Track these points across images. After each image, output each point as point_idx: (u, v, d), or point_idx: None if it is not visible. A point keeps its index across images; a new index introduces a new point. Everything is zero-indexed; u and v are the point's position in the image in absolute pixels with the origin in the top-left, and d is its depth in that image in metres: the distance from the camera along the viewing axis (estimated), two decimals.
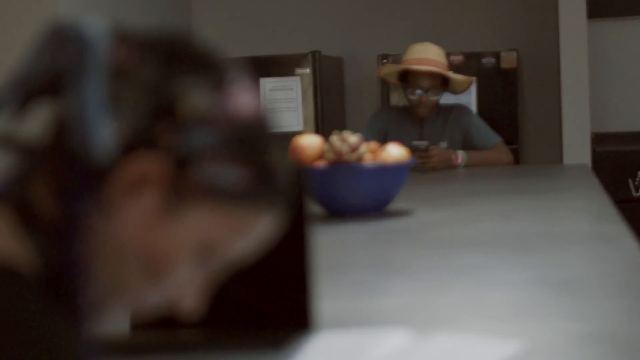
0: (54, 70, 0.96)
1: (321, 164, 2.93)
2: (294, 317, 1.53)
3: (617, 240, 2.33)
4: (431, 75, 4.66)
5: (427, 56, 4.66)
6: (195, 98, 0.96)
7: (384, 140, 4.85)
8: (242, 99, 0.99)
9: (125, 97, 0.94)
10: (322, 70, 6.08)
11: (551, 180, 3.88)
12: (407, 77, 4.74)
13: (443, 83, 4.75)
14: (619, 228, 2.51)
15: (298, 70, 6.05)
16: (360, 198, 2.90)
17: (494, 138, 4.82)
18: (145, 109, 0.95)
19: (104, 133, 0.93)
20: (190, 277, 1.00)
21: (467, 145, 4.81)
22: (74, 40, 0.95)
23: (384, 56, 6.08)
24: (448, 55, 6.01)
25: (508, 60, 6.04)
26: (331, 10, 6.69)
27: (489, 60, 6.05)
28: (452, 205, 3.19)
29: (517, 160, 6.07)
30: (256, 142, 0.98)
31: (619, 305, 1.67)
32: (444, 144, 4.78)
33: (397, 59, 6.06)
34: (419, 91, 4.68)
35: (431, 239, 2.51)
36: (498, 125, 6.09)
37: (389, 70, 4.75)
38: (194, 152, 0.95)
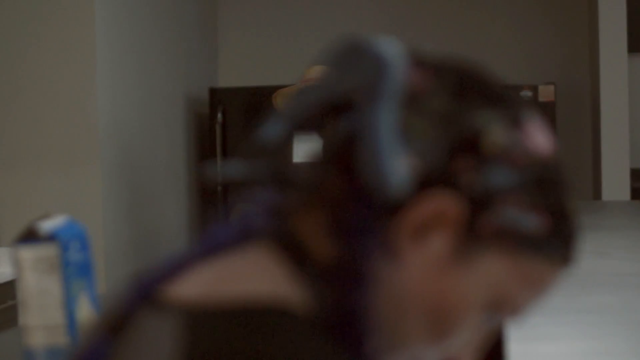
0: (344, 90, 0.85)
1: None
2: None
3: None
4: None
5: (313, 76, 4.59)
6: (497, 133, 0.85)
7: None
8: (539, 137, 0.88)
9: (420, 127, 0.84)
10: None
11: (620, 217, 3.78)
12: None
13: None
14: None
15: None
16: None
17: None
18: (442, 141, 0.84)
19: (398, 166, 0.82)
20: (473, 335, 0.89)
21: None
22: (370, 60, 0.85)
23: None
24: None
25: (546, 93, 5.96)
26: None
27: (526, 94, 5.97)
28: None
29: None
30: (555, 185, 0.87)
31: None
32: None
33: None
34: None
35: None
36: None
37: (284, 102, 4.68)
38: (493, 192, 0.84)
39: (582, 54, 6.43)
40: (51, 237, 1.27)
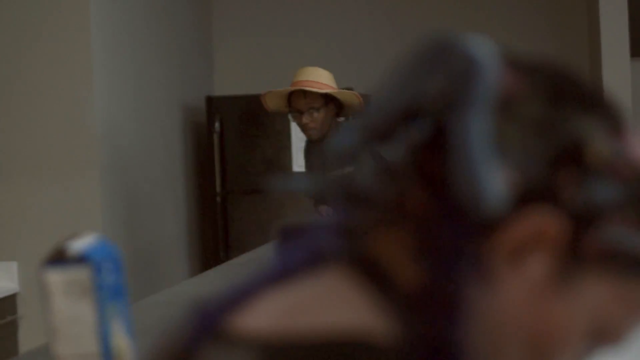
0: (428, 94, 0.77)
1: None
2: None
3: None
4: (305, 95, 4.51)
5: (300, 78, 4.54)
6: (600, 142, 0.76)
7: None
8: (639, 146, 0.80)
9: (516, 136, 0.76)
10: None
11: None
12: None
13: (337, 106, 4.59)
14: None
15: None
16: None
17: None
18: (540, 152, 0.75)
19: (493, 180, 0.74)
20: None
21: None
22: (459, 60, 0.76)
23: None
24: None
25: None
26: (361, 48, 6.53)
27: None
28: None
29: None
30: None
31: None
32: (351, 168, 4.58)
33: None
34: (296, 113, 4.54)
35: None
36: None
37: (273, 103, 4.63)
38: (597, 209, 0.76)
39: (583, 59, 6.37)
40: (82, 258, 1.19)
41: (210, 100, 5.93)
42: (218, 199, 5.92)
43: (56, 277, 1.18)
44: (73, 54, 4.67)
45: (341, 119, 4.66)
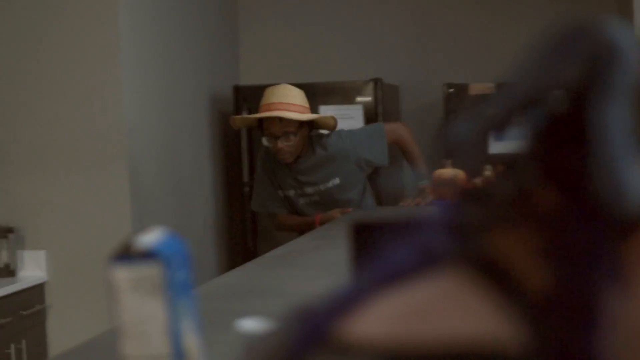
0: (561, 82, 0.70)
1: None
2: None
3: None
4: (280, 120, 4.28)
5: (273, 100, 4.31)
6: None
7: (272, 183, 4.54)
8: None
9: None
10: (384, 98, 5.84)
11: None
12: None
13: (310, 124, 4.39)
14: None
15: (359, 98, 5.81)
16: None
17: (379, 132, 4.52)
18: None
19: (634, 177, 0.68)
20: None
21: (369, 166, 4.51)
22: (597, 45, 0.70)
23: (450, 85, 5.84)
24: None
25: None
26: (387, 38, 6.46)
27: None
28: None
29: None
30: None
31: None
32: (335, 181, 4.46)
33: (462, 89, 5.82)
34: (270, 138, 4.32)
35: None
36: None
37: (241, 123, 4.45)
38: None
39: None
40: (152, 254, 1.13)
41: (237, 90, 5.88)
42: (246, 188, 5.86)
43: (124, 274, 1.12)
44: (102, 46, 4.63)
45: (317, 131, 4.45)
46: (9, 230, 4.63)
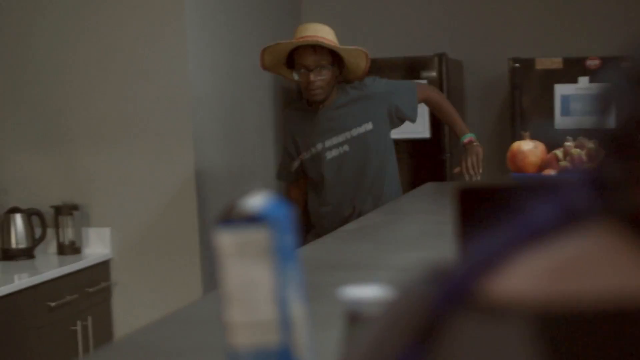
0: None
1: (551, 172, 2.61)
2: None
3: None
4: (315, 51, 4.20)
5: (305, 34, 4.23)
6: None
7: (295, 147, 4.47)
8: None
9: None
10: (448, 73, 5.76)
11: None
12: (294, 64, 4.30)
13: (340, 67, 4.30)
14: None
15: (424, 74, 5.73)
16: None
17: (412, 88, 4.46)
18: None
19: None
20: None
21: (398, 117, 4.42)
22: None
23: (516, 60, 5.74)
24: (584, 60, 5.65)
25: None
26: (452, 12, 6.36)
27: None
28: None
29: None
30: None
31: None
32: (368, 126, 4.36)
33: (529, 63, 5.71)
34: (302, 70, 4.22)
35: None
36: None
37: (271, 59, 4.33)
38: None
39: None
40: (258, 218, 1.08)
41: None
42: None
43: (230, 238, 1.07)
44: (167, 18, 4.60)
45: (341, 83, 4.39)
46: (74, 207, 4.62)
